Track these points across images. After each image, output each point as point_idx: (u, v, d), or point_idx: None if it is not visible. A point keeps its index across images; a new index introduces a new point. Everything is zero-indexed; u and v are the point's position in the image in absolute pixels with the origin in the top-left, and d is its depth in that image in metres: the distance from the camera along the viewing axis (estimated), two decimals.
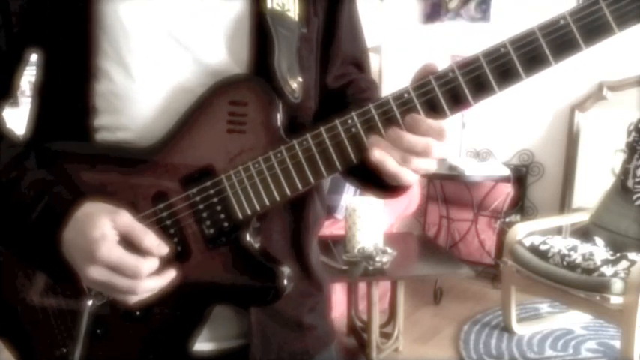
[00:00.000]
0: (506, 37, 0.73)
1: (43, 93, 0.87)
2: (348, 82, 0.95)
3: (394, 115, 0.75)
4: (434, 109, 0.74)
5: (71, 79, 0.83)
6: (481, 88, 0.73)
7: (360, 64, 0.97)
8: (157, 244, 0.76)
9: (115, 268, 0.73)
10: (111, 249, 0.73)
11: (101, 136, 0.84)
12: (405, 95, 0.74)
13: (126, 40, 0.81)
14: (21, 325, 0.86)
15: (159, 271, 0.76)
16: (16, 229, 0.80)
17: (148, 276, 0.75)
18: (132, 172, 0.80)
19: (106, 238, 0.73)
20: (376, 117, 0.75)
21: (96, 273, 0.73)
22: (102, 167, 0.81)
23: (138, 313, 0.81)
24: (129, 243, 0.75)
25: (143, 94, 0.82)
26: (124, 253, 0.74)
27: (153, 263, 0.75)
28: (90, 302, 0.80)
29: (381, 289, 3.02)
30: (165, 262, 0.77)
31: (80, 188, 0.79)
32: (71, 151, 0.82)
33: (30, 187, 0.80)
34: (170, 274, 0.77)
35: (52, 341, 0.85)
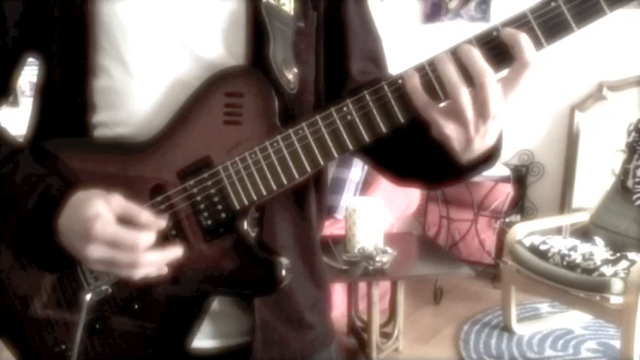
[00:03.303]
0: None
1: (44, 92, 0.87)
2: (373, 80, 0.94)
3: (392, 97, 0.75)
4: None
5: (70, 77, 0.83)
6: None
7: (376, 59, 0.96)
8: (153, 219, 0.76)
9: (113, 243, 0.73)
10: (105, 225, 0.73)
11: (100, 133, 0.84)
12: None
13: (124, 37, 0.82)
14: (20, 323, 0.86)
15: (160, 246, 0.76)
16: (11, 222, 0.80)
17: (148, 249, 0.74)
18: (129, 166, 0.81)
19: (100, 216, 0.73)
20: (389, 94, 0.75)
21: (95, 251, 0.73)
22: (99, 161, 0.81)
23: (137, 306, 0.82)
24: (124, 223, 0.75)
25: (141, 89, 0.83)
26: (119, 228, 0.74)
27: (149, 236, 0.75)
28: (88, 297, 0.80)
29: (381, 289, 3.02)
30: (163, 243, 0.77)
31: (75, 180, 0.80)
32: (68, 147, 0.83)
33: (24, 180, 0.80)
34: (173, 251, 0.77)
35: (51, 338, 0.85)
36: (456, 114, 0.72)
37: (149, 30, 0.82)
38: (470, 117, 0.72)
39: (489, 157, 0.79)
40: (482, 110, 0.71)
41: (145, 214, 0.76)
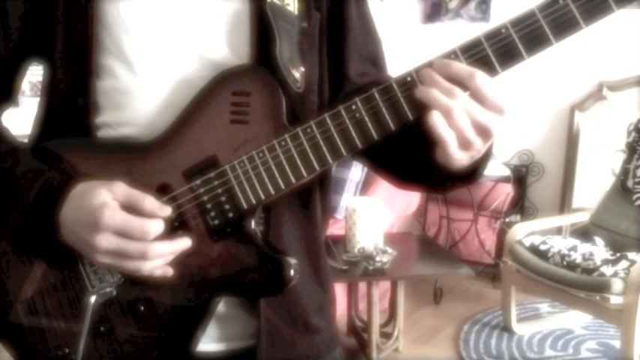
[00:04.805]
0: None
1: (48, 93, 0.87)
2: (372, 82, 0.93)
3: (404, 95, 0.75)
4: None
5: (74, 78, 0.83)
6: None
7: (376, 61, 0.96)
8: (158, 205, 0.75)
9: (122, 232, 0.72)
10: (114, 213, 0.72)
11: (104, 133, 0.84)
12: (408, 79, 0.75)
13: (127, 36, 0.82)
14: (21, 326, 0.85)
15: (169, 237, 0.75)
16: (12, 216, 0.80)
17: (157, 239, 0.74)
18: (134, 166, 0.80)
19: (107, 205, 0.73)
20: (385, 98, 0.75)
21: (104, 241, 0.72)
22: (103, 161, 0.81)
23: (142, 308, 0.81)
24: (131, 211, 0.74)
25: (146, 89, 0.82)
26: (128, 215, 0.73)
27: (159, 224, 0.74)
28: (93, 299, 0.80)
29: (381, 289, 3.01)
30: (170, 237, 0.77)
31: (75, 176, 0.79)
32: (71, 147, 0.83)
33: (24, 173, 0.80)
34: (182, 242, 0.76)
35: (53, 342, 0.84)
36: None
37: (153, 30, 0.82)
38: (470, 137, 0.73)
39: (483, 158, 0.80)
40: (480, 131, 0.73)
41: (149, 200, 0.75)
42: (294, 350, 0.90)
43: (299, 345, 0.91)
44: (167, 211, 0.76)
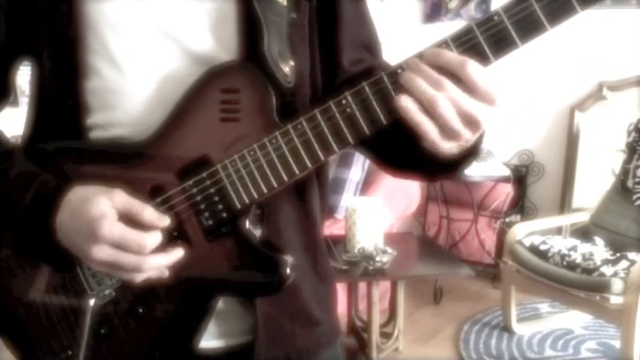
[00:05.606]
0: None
1: (37, 95, 0.87)
2: (367, 69, 0.92)
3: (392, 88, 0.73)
4: None
5: (61, 79, 0.82)
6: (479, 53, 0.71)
7: (370, 46, 0.94)
8: (157, 217, 0.75)
9: (119, 245, 0.72)
10: (113, 226, 0.72)
11: (96, 134, 0.83)
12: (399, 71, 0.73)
13: (113, 35, 0.81)
14: (24, 329, 0.85)
15: (164, 249, 0.75)
16: (9, 220, 0.80)
17: (153, 252, 0.74)
18: (127, 167, 0.80)
19: (106, 216, 0.72)
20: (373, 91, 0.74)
21: (100, 253, 0.72)
22: (96, 164, 0.81)
23: (141, 310, 0.81)
24: (129, 221, 0.74)
25: (134, 87, 0.82)
26: (126, 229, 0.73)
27: (156, 237, 0.74)
28: (92, 302, 0.80)
29: (381, 289, 3.01)
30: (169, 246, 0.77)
31: (70, 179, 0.79)
32: (65, 150, 0.82)
33: (18, 176, 0.80)
34: (176, 253, 0.76)
35: (56, 344, 0.84)
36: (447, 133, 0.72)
37: (139, 28, 0.81)
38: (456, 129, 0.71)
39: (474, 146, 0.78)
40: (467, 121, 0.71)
41: (148, 212, 0.74)
42: (294, 344, 0.90)
43: (299, 338, 0.90)
44: (166, 221, 0.76)
